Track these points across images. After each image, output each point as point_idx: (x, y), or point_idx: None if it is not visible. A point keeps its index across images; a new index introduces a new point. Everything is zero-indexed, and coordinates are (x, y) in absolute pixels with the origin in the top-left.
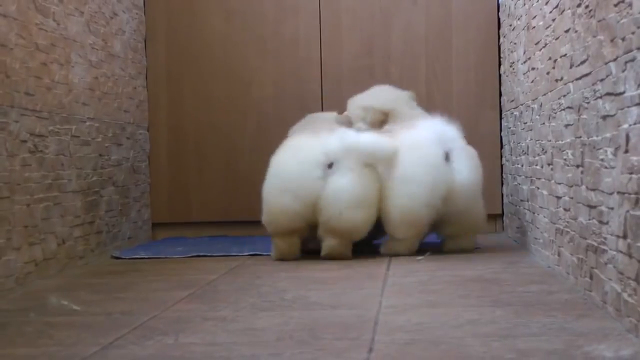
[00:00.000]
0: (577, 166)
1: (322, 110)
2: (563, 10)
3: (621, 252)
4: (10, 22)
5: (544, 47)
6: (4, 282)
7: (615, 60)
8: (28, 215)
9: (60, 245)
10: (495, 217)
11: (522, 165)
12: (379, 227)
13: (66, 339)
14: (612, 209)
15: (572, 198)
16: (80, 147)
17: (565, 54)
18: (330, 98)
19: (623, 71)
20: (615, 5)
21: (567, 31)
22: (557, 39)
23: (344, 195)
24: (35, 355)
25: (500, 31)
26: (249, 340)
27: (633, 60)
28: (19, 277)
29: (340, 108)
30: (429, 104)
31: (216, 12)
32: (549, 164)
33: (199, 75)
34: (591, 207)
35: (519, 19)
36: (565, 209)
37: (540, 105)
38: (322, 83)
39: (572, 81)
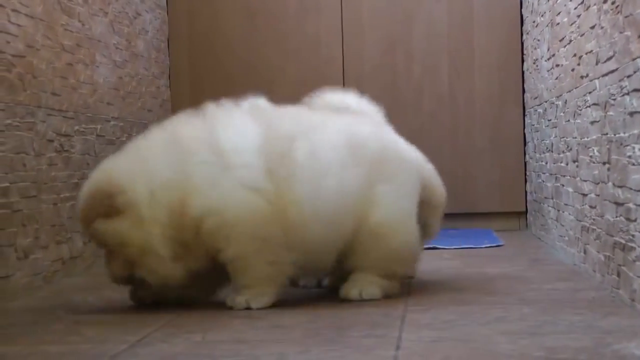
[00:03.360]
0: (604, 163)
1: None
2: (588, 7)
3: None
4: (37, 23)
5: (568, 43)
6: (32, 280)
7: None
8: (55, 214)
9: (86, 243)
10: (519, 215)
11: (547, 163)
12: None
13: (95, 337)
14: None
15: (598, 195)
16: (105, 147)
17: (591, 51)
18: None
19: None
20: None
21: (592, 27)
22: (582, 35)
23: None
24: (65, 353)
25: (523, 28)
26: (276, 338)
27: None
28: (46, 275)
29: None
30: (451, 102)
31: (238, 11)
32: (574, 161)
33: (221, 74)
34: (618, 204)
35: (542, 15)
36: (591, 206)
37: (565, 102)
38: (344, 82)
39: (598, 78)
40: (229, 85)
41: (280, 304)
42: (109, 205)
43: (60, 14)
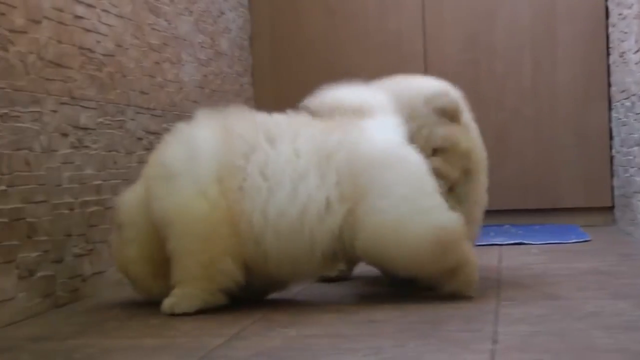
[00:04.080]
0: None
1: None
2: None
3: None
4: (126, 22)
5: None
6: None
7: None
8: None
9: None
10: (605, 210)
11: (635, 157)
12: None
13: (191, 331)
14: None
15: None
16: None
17: None
18: None
19: None
20: None
21: None
22: None
23: None
24: (163, 346)
25: (609, 20)
26: (371, 332)
27: None
28: None
29: None
30: (534, 96)
31: (319, 8)
32: None
33: (303, 71)
34: None
35: (629, 7)
36: None
37: None
38: None
39: None
40: (311, 82)
41: (370, 299)
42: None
43: (148, 13)
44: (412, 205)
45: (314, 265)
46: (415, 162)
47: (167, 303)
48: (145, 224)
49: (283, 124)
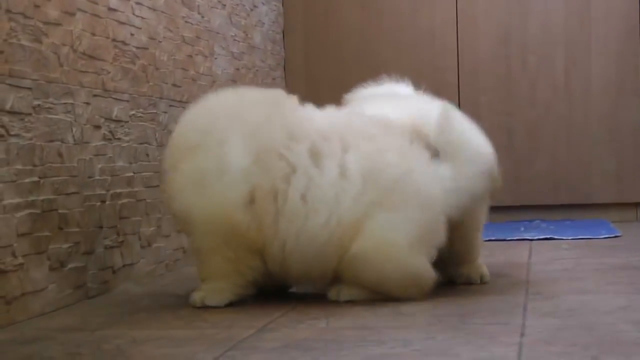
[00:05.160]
0: None
1: (459, 102)
2: None
3: None
4: (159, 15)
5: None
6: (156, 268)
7: None
8: None
9: None
10: (637, 206)
11: None
12: None
13: (221, 322)
14: None
15: None
16: None
17: None
18: (467, 88)
19: None
20: None
21: None
22: None
23: None
24: (193, 337)
25: None
26: (399, 325)
27: None
28: (168, 263)
29: (478, 98)
30: (567, 92)
31: (352, 4)
32: None
33: (336, 66)
34: None
35: None
36: None
37: None
38: (459, 73)
39: None
40: (344, 77)
41: None
42: None
43: (181, 6)
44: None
45: (328, 272)
46: (436, 203)
47: (198, 296)
48: None
49: (333, 136)
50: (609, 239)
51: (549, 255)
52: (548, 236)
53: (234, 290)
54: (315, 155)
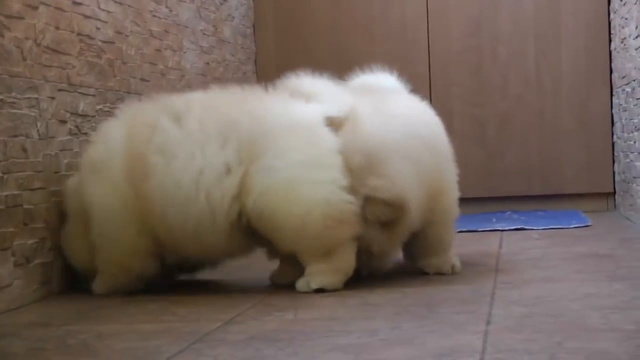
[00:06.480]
0: None
1: (431, 94)
2: None
3: None
4: (126, 9)
5: None
6: None
7: None
8: None
9: None
10: (607, 196)
11: (635, 142)
12: None
13: (188, 315)
14: None
15: None
16: None
17: None
18: (438, 81)
19: None
20: None
21: None
22: None
23: None
24: (159, 331)
25: (610, 7)
26: (367, 315)
27: None
28: None
29: (449, 90)
30: (538, 83)
31: None
32: None
33: (307, 59)
34: None
35: None
36: None
37: None
38: (430, 65)
39: None
40: (315, 70)
41: (367, 283)
42: None
43: (149, 0)
44: (307, 172)
45: (221, 235)
46: (322, 136)
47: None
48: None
49: (195, 101)
50: (579, 228)
51: (519, 245)
52: (519, 227)
53: (121, 280)
54: (175, 117)
